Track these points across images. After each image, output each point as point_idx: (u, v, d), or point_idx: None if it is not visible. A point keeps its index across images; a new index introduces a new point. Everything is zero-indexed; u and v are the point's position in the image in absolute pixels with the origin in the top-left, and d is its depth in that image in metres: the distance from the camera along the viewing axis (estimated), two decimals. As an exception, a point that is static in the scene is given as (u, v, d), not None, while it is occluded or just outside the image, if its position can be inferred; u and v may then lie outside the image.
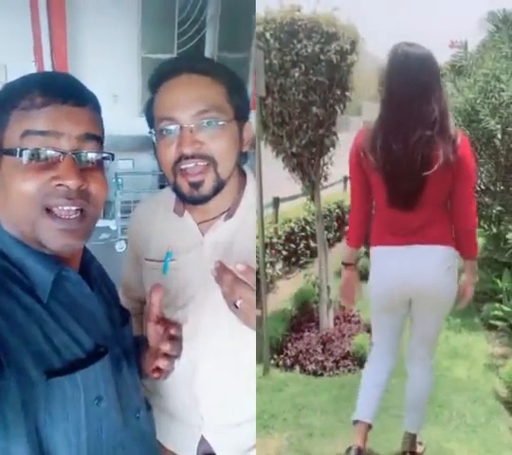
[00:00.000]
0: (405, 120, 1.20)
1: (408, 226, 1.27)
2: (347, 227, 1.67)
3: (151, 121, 0.94)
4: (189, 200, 0.93)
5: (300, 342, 2.32)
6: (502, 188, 2.78)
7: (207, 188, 0.89)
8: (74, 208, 0.65)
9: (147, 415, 0.80)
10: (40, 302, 0.63)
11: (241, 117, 0.94)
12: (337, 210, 4.18)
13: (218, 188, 0.90)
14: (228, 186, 0.93)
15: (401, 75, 1.21)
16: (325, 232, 2.65)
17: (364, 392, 1.47)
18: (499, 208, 2.77)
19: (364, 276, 1.45)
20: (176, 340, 0.78)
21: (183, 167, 0.88)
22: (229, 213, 0.96)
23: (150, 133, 0.93)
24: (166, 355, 0.77)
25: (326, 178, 2.29)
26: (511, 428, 1.85)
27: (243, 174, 1.00)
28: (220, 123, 0.88)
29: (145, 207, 1.10)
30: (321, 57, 2.08)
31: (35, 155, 0.63)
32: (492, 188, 2.82)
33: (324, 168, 2.25)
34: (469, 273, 1.37)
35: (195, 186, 0.89)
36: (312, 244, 3.01)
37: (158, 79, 0.92)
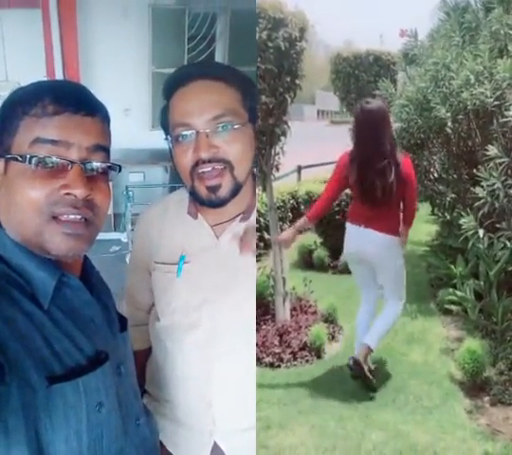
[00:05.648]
0: (371, 155, 1.86)
1: (368, 215, 1.95)
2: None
3: (166, 128, 0.94)
4: (207, 204, 0.93)
5: (256, 335, 2.29)
6: (454, 176, 2.82)
7: (224, 191, 0.90)
8: (79, 216, 0.66)
9: (147, 422, 0.79)
10: (40, 308, 0.63)
11: (255, 120, 0.95)
12: (291, 201, 4.00)
13: (235, 190, 0.91)
14: (244, 188, 0.94)
15: (365, 126, 1.86)
16: (280, 223, 2.63)
17: (360, 323, 2.11)
18: (452, 195, 2.82)
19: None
20: None
21: (200, 171, 0.89)
22: (246, 216, 0.97)
23: (166, 139, 0.94)
24: None
25: (278, 169, 2.27)
26: (466, 409, 1.89)
27: (254, 177, 1.01)
28: (236, 127, 0.89)
29: (153, 210, 1.09)
30: (269, 44, 2.03)
31: (42, 162, 0.64)
32: (445, 176, 2.87)
33: (276, 158, 2.22)
34: (406, 231, 2.06)
35: (213, 190, 0.90)
36: (266, 235, 2.96)
37: (172, 86, 0.93)
